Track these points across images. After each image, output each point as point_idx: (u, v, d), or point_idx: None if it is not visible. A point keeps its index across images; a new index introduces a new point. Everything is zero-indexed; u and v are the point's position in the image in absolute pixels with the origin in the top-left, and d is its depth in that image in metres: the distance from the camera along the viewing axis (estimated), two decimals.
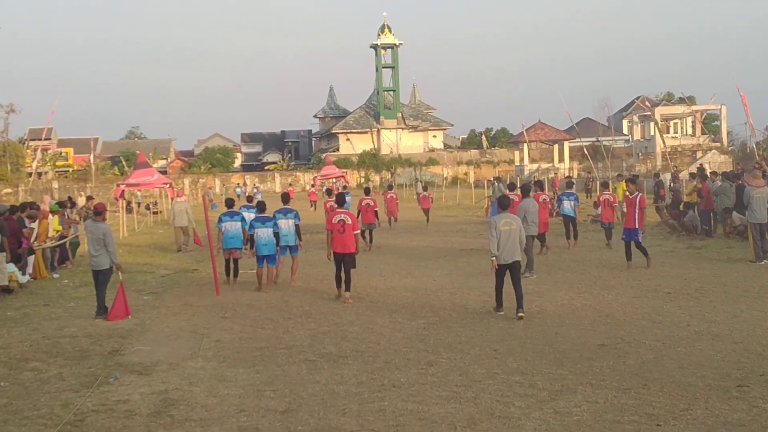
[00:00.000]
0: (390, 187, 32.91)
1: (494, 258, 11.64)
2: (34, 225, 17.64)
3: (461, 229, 28.21)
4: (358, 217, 18.22)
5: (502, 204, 12.14)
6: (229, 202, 16.67)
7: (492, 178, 41.48)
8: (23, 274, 16.03)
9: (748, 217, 16.88)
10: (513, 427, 6.69)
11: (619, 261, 16.56)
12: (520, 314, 11.42)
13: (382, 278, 16.02)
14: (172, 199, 43.18)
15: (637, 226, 15.80)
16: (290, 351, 9.81)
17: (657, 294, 13.18)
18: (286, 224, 15.31)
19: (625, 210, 16.14)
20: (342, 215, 13.76)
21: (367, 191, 23.78)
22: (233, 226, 15.87)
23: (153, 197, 48.33)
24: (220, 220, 15.96)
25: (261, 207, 15.75)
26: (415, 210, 42.42)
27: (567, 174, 63.75)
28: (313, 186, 57.77)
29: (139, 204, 45.67)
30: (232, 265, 15.96)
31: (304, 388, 8.06)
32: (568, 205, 20.56)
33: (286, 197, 16.17)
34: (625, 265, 16.06)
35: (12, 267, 15.70)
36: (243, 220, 16.10)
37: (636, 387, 7.76)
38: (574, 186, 24.82)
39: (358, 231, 14.22)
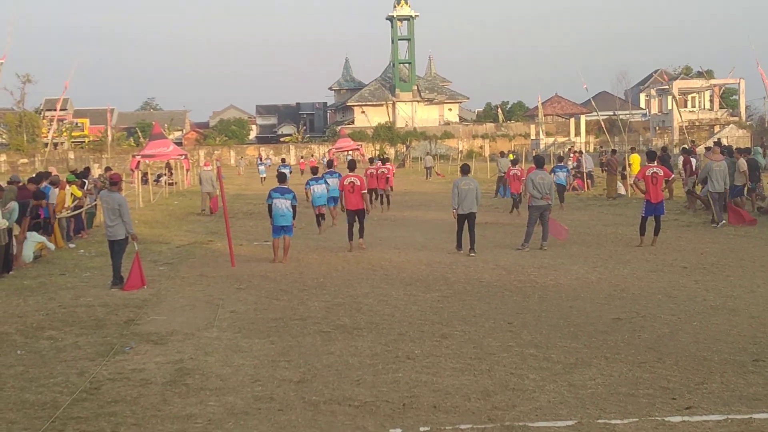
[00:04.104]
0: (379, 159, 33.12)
1: (454, 209, 15.16)
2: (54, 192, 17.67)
3: None
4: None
5: (463, 173, 15.95)
6: (314, 170, 22.10)
7: (498, 153, 42.56)
8: None
9: (709, 186, 18.96)
10: (527, 399, 6.69)
11: (635, 235, 16.31)
12: (472, 254, 14.89)
13: (397, 251, 16.01)
14: (188, 170, 43.59)
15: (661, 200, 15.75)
16: (305, 322, 9.84)
17: (673, 268, 13.11)
18: (283, 204, 14.69)
19: (643, 188, 15.79)
20: (352, 178, 16.17)
21: (371, 161, 27.97)
22: (319, 188, 19.47)
23: (169, 168, 48.15)
24: (308, 184, 19.52)
25: (281, 178, 15.44)
26: (429, 183, 42.43)
27: (580, 149, 63.24)
28: (312, 156, 59.49)
29: (158, 177, 45.38)
30: (321, 219, 19.75)
31: (318, 359, 8.09)
32: (562, 176, 25.08)
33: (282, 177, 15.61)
34: (640, 240, 15.85)
35: (40, 237, 15.83)
36: (326, 183, 19.74)
37: (651, 361, 7.74)
38: (563, 160, 30.75)
39: (366, 191, 16.53)
